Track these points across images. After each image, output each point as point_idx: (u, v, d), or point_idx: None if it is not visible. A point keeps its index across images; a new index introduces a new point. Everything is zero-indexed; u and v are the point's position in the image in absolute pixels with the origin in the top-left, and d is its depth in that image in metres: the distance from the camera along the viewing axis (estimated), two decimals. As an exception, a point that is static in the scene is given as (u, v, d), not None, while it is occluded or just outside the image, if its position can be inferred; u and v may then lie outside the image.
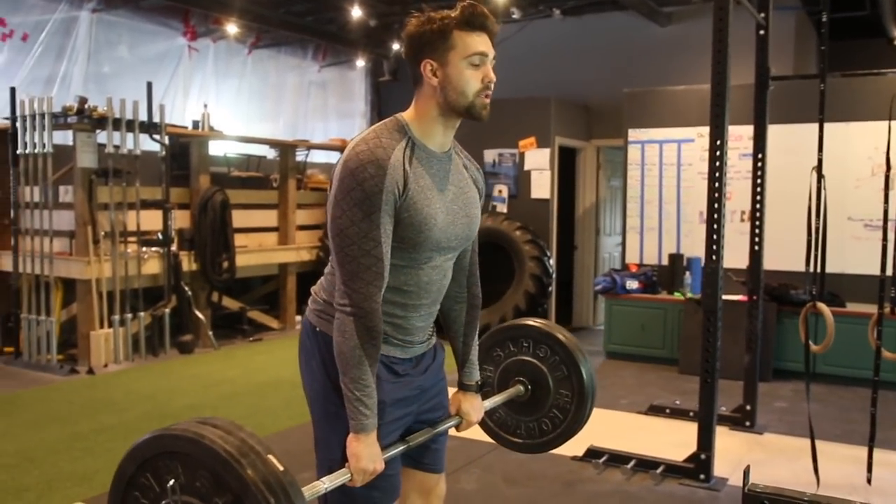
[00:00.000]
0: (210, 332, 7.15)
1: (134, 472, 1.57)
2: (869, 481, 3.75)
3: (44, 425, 4.79)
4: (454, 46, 1.85)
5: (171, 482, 1.51)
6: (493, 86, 1.90)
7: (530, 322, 2.58)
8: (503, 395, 2.50)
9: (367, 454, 1.84)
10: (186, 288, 6.90)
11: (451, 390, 2.26)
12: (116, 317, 6.36)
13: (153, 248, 6.66)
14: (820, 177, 3.63)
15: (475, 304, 2.21)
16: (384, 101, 10.96)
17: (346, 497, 1.95)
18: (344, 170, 1.81)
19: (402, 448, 2.01)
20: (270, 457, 1.49)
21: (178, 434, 1.50)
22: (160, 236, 6.69)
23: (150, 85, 6.55)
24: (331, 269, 2.00)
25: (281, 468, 1.48)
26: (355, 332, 1.80)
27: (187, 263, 6.95)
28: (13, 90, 6.45)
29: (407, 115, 1.93)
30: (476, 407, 2.24)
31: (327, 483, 1.76)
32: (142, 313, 6.56)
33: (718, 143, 3.85)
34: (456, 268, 2.13)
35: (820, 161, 3.67)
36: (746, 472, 2.23)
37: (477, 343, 2.26)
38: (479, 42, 1.87)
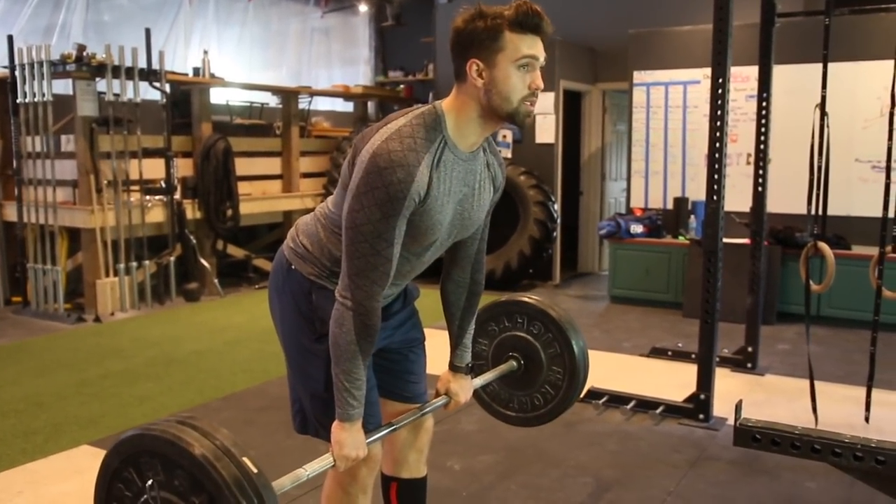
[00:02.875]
0: (215, 280, 7.19)
1: (118, 465, 1.62)
2: (867, 420, 3.77)
3: (52, 372, 4.85)
4: (503, 48, 1.74)
5: (151, 481, 1.57)
6: (539, 93, 1.81)
7: (526, 298, 2.61)
8: (496, 371, 2.55)
9: (350, 442, 1.86)
10: (191, 236, 6.92)
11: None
12: (122, 265, 6.39)
13: (156, 197, 6.67)
14: (823, 114, 3.57)
15: (476, 290, 2.21)
16: (388, 46, 10.82)
17: (328, 431, 1.98)
18: (371, 164, 1.73)
19: (385, 432, 2.04)
20: (245, 459, 1.52)
21: (157, 435, 1.54)
22: (163, 185, 6.68)
23: (148, 31, 6.48)
24: (322, 222, 1.99)
25: (255, 470, 1.52)
26: (353, 327, 1.79)
27: (191, 211, 6.95)
28: (10, 38, 6.39)
29: (446, 107, 1.84)
30: (465, 388, 2.26)
31: (308, 470, 1.78)
32: (147, 262, 6.60)
33: (720, 80, 3.78)
34: (462, 255, 2.13)
35: (823, 98, 3.60)
36: (738, 407, 2.24)
37: (472, 327, 2.27)
38: (531, 45, 1.76)
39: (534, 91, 1.79)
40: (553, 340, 2.54)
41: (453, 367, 2.26)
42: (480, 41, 1.75)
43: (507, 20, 1.74)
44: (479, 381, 2.44)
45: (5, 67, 6.43)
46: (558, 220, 7.64)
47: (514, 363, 2.58)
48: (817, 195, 3.62)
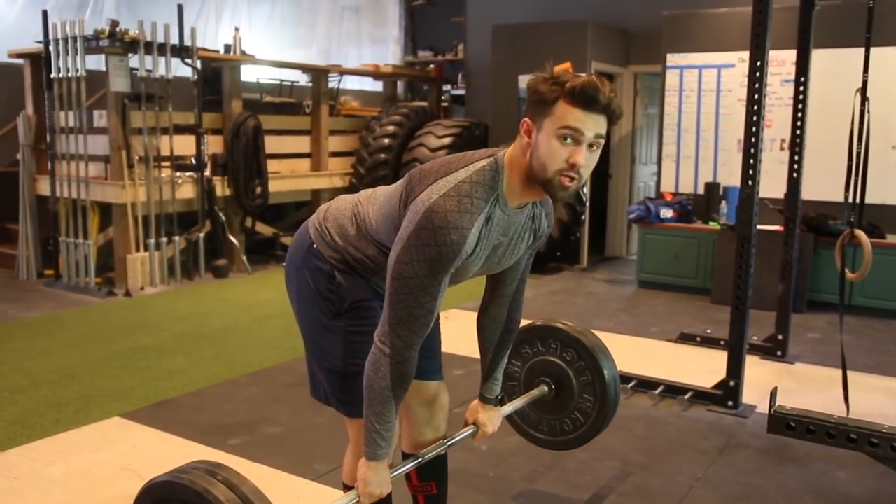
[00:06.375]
0: (244, 257, 7.23)
1: None
2: (900, 410, 3.72)
3: (83, 344, 4.92)
4: (551, 114, 1.72)
5: None
6: (582, 171, 1.73)
7: (560, 325, 2.61)
8: (526, 397, 2.57)
9: (376, 480, 1.88)
10: (220, 213, 6.96)
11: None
12: (152, 241, 6.45)
13: (187, 173, 6.71)
14: (864, 99, 3.49)
15: (512, 328, 2.23)
16: (418, 26, 10.77)
17: (350, 407, 2.03)
18: (426, 219, 1.73)
19: (412, 465, 2.09)
20: None
21: (186, 485, 1.65)
22: (193, 161, 6.72)
23: (180, 7, 6.49)
24: (359, 224, 1.99)
25: None
26: (389, 374, 1.80)
27: (221, 188, 6.99)
28: (45, 13, 6.43)
29: (507, 159, 1.82)
30: (493, 419, 2.29)
31: None
32: (177, 237, 6.65)
33: (759, 64, 3.72)
34: (500, 293, 2.15)
35: (865, 82, 3.52)
36: (773, 394, 2.22)
37: (505, 362, 2.28)
38: (580, 119, 1.70)
39: (571, 166, 1.73)
40: (585, 368, 2.54)
41: (483, 399, 2.29)
42: (536, 102, 1.74)
43: (565, 90, 1.72)
44: (509, 408, 2.46)
45: (40, 42, 6.48)
46: (587, 204, 7.59)
47: (546, 388, 2.60)
48: (855, 182, 3.55)
